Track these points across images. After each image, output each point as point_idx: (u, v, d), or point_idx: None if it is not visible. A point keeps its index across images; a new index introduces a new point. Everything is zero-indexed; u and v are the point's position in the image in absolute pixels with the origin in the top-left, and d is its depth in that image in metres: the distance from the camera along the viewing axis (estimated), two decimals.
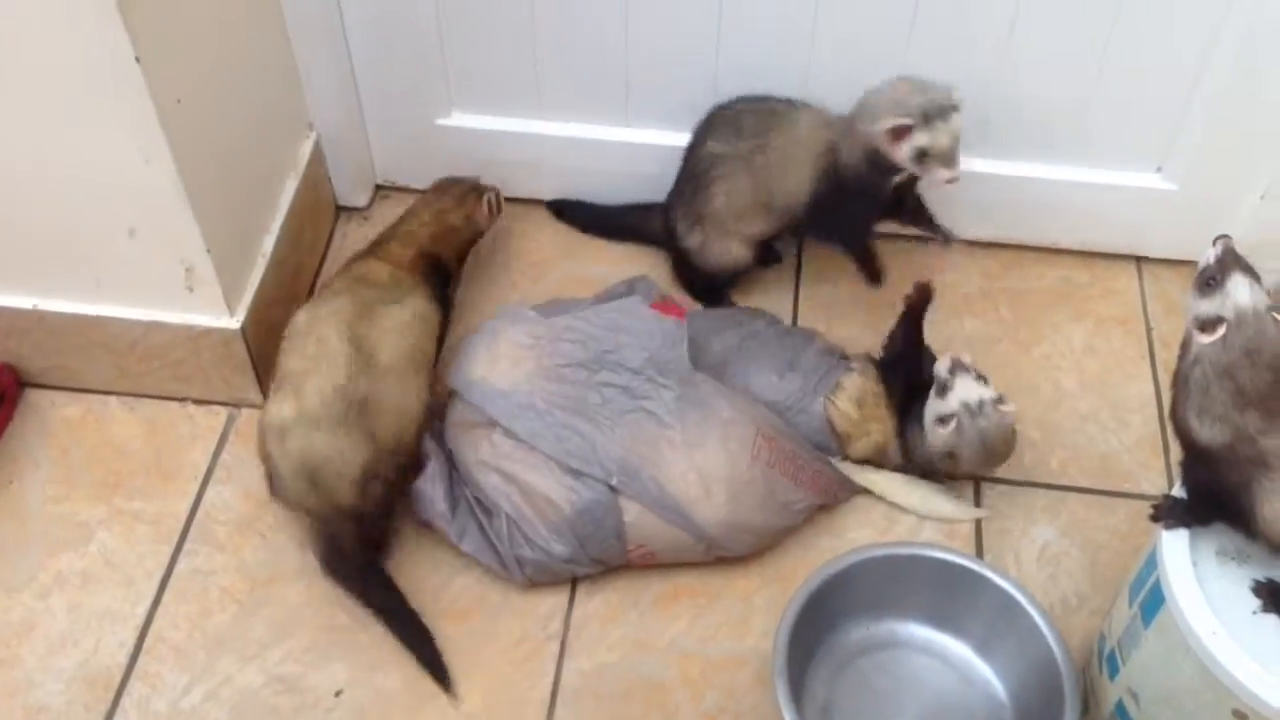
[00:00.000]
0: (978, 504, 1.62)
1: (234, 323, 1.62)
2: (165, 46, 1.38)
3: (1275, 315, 1.15)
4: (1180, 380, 1.18)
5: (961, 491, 1.63)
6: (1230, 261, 1.15)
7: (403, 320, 1.57)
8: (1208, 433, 1.15)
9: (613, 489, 1.47)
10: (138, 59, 1.33)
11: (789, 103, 1.67)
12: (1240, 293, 1.13)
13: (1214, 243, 1.18)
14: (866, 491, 1.61)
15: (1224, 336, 1.13)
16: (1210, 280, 1.15)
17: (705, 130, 1.71)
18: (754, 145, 1.66)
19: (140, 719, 1.44)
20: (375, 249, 1.69)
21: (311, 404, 1.46)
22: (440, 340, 1.66)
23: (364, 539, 1.51)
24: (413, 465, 1.55)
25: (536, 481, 1.49)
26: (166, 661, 1.48)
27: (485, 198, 1.78)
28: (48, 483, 1.63)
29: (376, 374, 1.50)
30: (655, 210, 1.82)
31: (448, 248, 1.73)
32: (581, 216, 1.93)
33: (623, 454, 1.48)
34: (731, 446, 1.50)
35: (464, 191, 1.78)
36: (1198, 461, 1.19)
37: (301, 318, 1.54)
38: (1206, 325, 1.14)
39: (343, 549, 1.50)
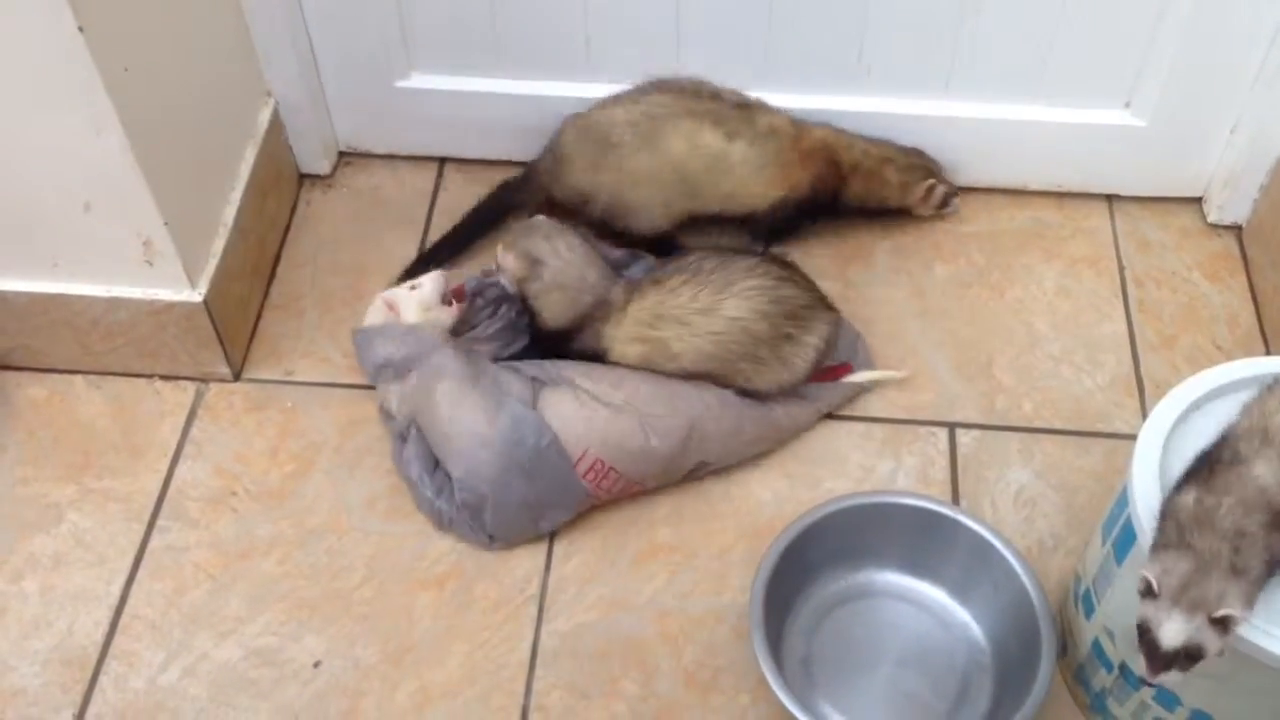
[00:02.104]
0: (953, 450, 1.61)
1: (196, 296, 1.60)
2: (109, 14, 1.35)
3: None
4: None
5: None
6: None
7: (702, 143, 1.67)
8: None
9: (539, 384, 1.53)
10: (80, 28, 1.30)
11: None
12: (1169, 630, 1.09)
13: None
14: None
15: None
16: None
17: None
18: None
19: (118, 698, 1.43)
20: (807, 125, 1.74)
21: (595, 113, 1.72)
22: (753, 223, 1.76)
23: (528, 204, 1.77)
24: (609, 228, 1.74)
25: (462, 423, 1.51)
26: (143, 639, 1.47)
27: (931, 185, 1.77)
28: (15, 465, 1.62)
29: (638, 142, 1.67)
30: None
31: (856, 183, 1.76)
32: None
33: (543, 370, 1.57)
34: None
35: (924, 167, 1.78)
36: None
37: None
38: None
39: (518, 198, 1.79)
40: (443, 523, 1.53)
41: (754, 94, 1.78)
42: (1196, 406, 1.25)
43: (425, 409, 1.52)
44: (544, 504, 1.50)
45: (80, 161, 1.43)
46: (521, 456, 1.47)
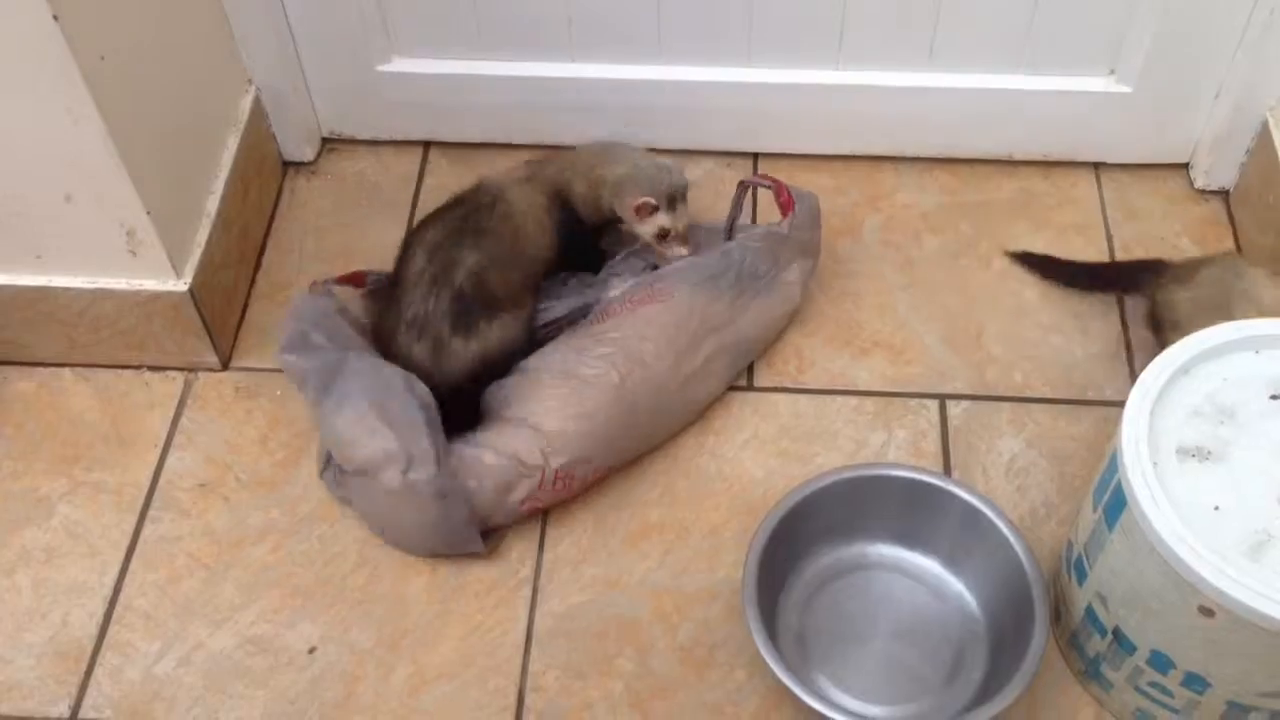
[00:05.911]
0: (944, 421, 1.61)
1: (182, 285, 1.59)
2: (84, 1, 1.34)
3: None
4: None
5: None
6: None
7: None
8: None
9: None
10: (55, 16, 1.29)
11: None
12: None
13: None
14: None
15: None
16: None
17: None
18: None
19: (114, 689, 1.43)
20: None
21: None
22: None
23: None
24: None
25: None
26: (137, 630, 1.47)
27: None
28: (5, 459, 1.61)
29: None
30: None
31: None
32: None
33: None
34: None
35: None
36: None
37: None
38: None
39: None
40: None
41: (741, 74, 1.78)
42: (1184, 370, 1.24)
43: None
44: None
45: (59, 152, 1.42)
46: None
